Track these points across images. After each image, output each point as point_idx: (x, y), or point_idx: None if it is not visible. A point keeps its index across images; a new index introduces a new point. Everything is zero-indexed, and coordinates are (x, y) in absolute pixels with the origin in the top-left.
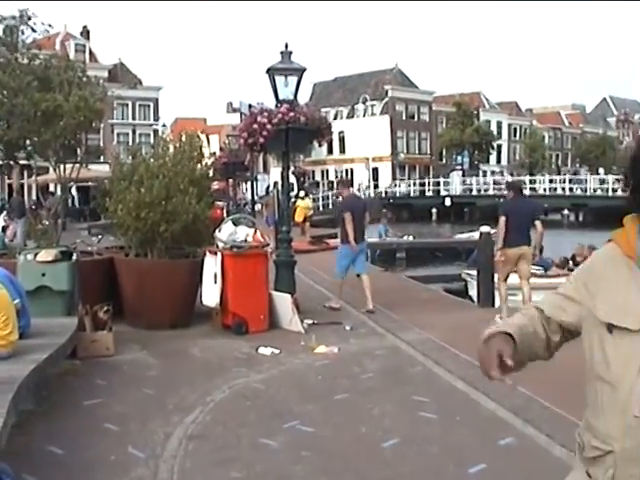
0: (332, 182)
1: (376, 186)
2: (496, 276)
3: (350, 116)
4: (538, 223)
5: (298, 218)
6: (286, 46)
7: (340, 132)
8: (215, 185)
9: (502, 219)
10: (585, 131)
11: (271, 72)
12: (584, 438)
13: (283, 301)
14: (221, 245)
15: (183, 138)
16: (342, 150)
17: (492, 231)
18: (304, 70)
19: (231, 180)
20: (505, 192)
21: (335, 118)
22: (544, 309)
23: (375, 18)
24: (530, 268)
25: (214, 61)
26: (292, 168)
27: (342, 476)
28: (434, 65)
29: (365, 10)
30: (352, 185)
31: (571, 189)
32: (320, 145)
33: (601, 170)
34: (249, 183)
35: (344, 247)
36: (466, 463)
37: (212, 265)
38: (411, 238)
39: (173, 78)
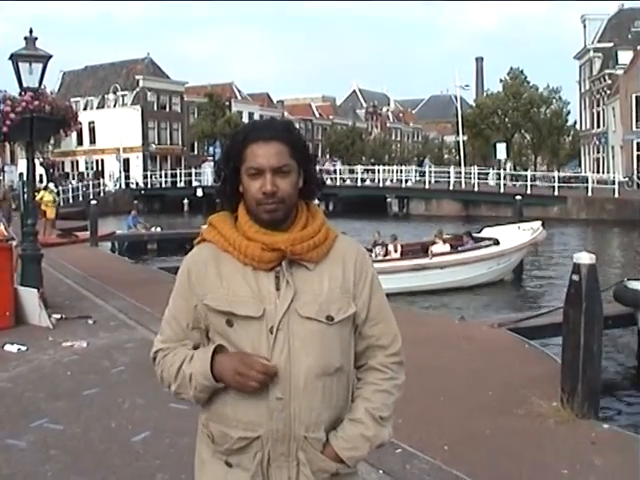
0: (82, 173)
1: (127, 177)
2: None
3: (100, 106)
4: None
5: (50, 215)
6: (30, 31)
7: (90, 122)
8: None
9: None
10: (335, 122)
11: (14, 58)
12: (214, 430)
13: (30, 296)
14: None
15: None
16: (92, 141)
17: None
18: (50, 57)
19: None
20: None
21: (85, 108)
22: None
23: (126, 6)
24: None
25: None
26: (41, 159)
27: (92, 473)
28: (186, 55)
29: None
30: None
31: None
32: (67, 135)
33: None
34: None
35: None
36: None
37: None
38: (159, 229)
39: None
